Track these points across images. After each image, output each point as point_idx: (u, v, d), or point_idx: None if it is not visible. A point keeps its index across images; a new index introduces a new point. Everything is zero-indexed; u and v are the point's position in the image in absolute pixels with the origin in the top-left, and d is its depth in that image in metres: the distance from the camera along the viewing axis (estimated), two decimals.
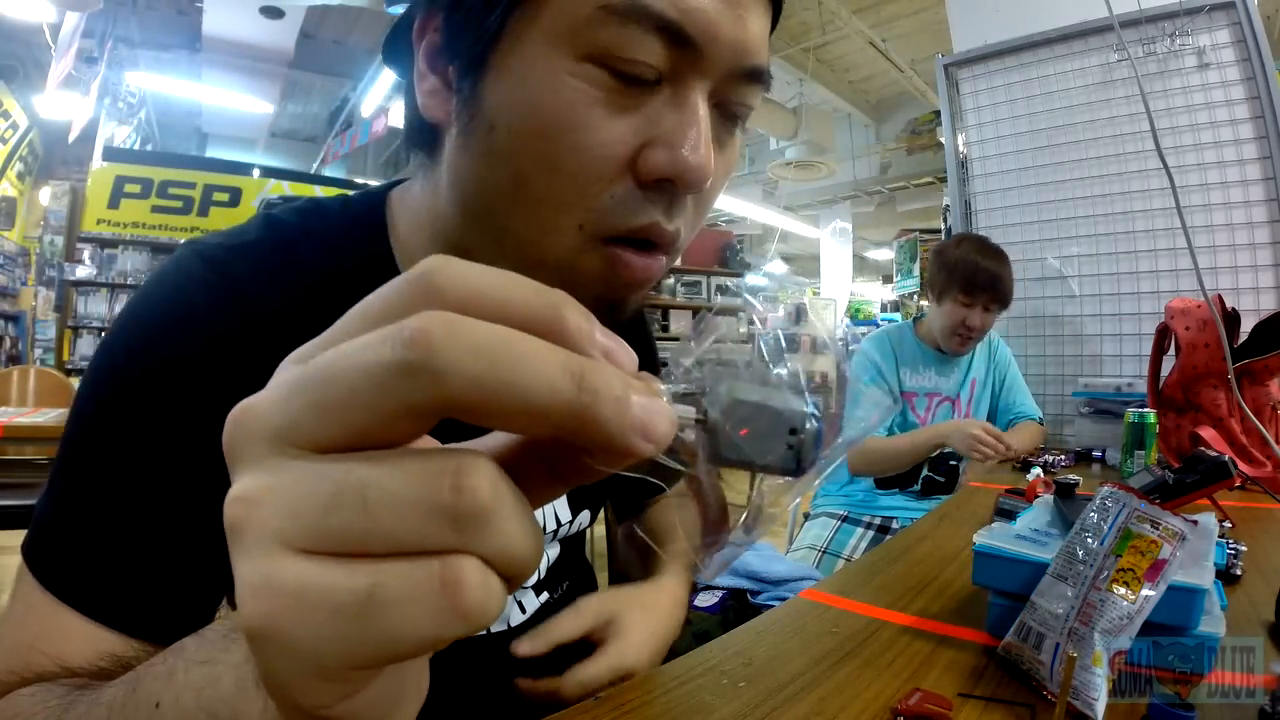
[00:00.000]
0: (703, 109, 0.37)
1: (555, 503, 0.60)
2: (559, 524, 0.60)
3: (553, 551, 0.63)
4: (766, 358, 0.22)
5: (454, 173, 0.42)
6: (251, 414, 0.17)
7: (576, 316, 0.17)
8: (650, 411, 0.17)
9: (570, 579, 0.66)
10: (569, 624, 0.57)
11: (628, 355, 0.18)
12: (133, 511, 0.39)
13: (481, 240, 0.42)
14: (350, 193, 0.52)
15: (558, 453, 0.19)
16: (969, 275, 1.64)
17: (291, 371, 0.17)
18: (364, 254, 0.46)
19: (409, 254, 0.48)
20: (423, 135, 0.44)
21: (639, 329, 0.69)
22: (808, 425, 0.20)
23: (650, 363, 0.70)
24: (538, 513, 0.55)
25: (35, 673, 0.36)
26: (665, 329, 6.38)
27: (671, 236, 0.39)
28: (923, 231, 5.24)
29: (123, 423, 0.39)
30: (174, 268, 0.43)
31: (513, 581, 0.17)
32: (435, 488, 0.16)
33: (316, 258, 0.45)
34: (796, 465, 0.20)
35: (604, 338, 0.18)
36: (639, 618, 0.60)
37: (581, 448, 0.18)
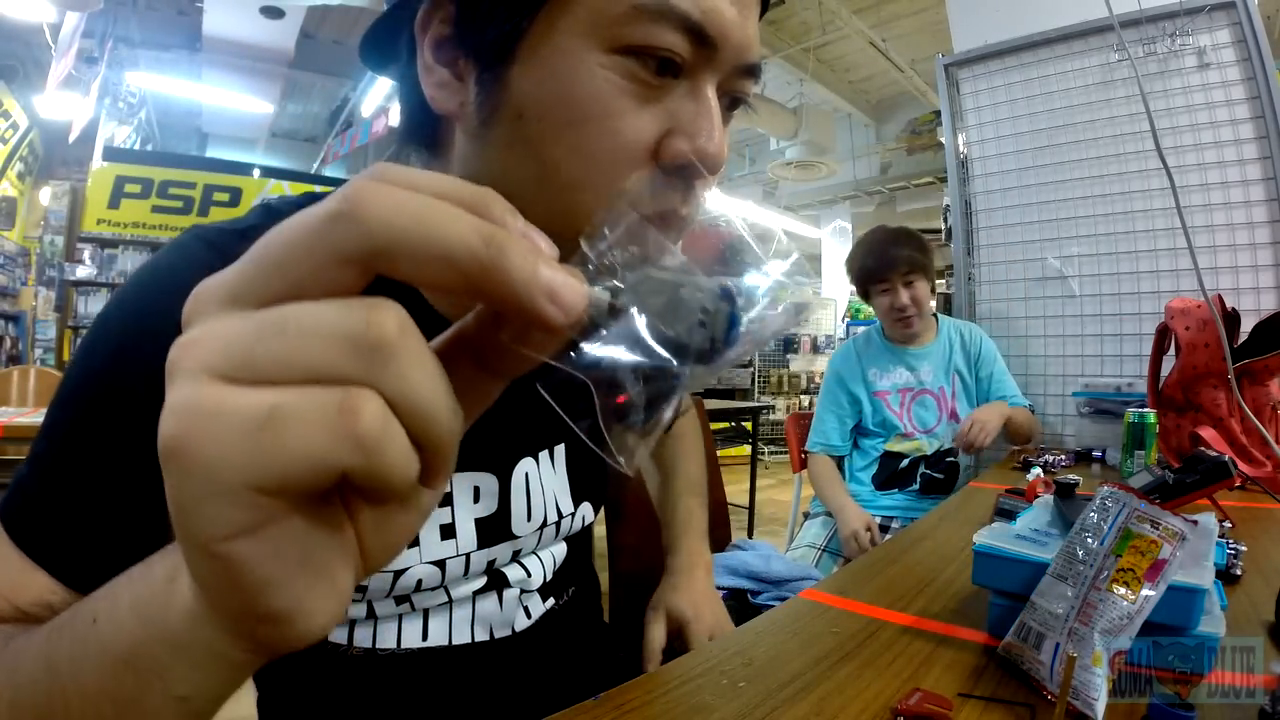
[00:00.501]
0: (714, 100, 0.40)
1: (557, 493, 0.60)
2: (560, 515, 0.60)
3: (559, 551, 0.63)
4: (677, 246, 0.22)
5: (469, 163, 0.42)
6: (207, 285, 0.18)
7: (501, 206, 0.19)
8: (558, 280, 0.18)
9: (576, 584, 0.66)
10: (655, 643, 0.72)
11: (546, 243, 0.19)
12: (111, 483, 0.39)
13: None
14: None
15: (481, 340, 0.20)
16: (869, 265, 1.76)
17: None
18: None
19: None
20: (424, 129, 0.45)
21: None
22: (719, 305, 0.20)
23: None
24: (539, 503, 0.56)
25: None
26: None
27: (685, 220, 0.41)
28: (923, 232, 5.24)
29: (109, 398, 0.39)
30: (175, 249, 0.43)
31: (423, 441, 0.18)
32: (347, 319, 0.17)
33: None
34: (709, 344, 0.20)
35: (525, 227, 0.19)
36: (685, 601, 0.75)
37: (500, 331, 0.19)
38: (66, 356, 5.15)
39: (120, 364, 0.39)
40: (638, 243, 0.21)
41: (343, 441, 0.16)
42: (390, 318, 0.17)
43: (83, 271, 5.14)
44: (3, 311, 5.85)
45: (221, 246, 0.43)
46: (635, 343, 0.20)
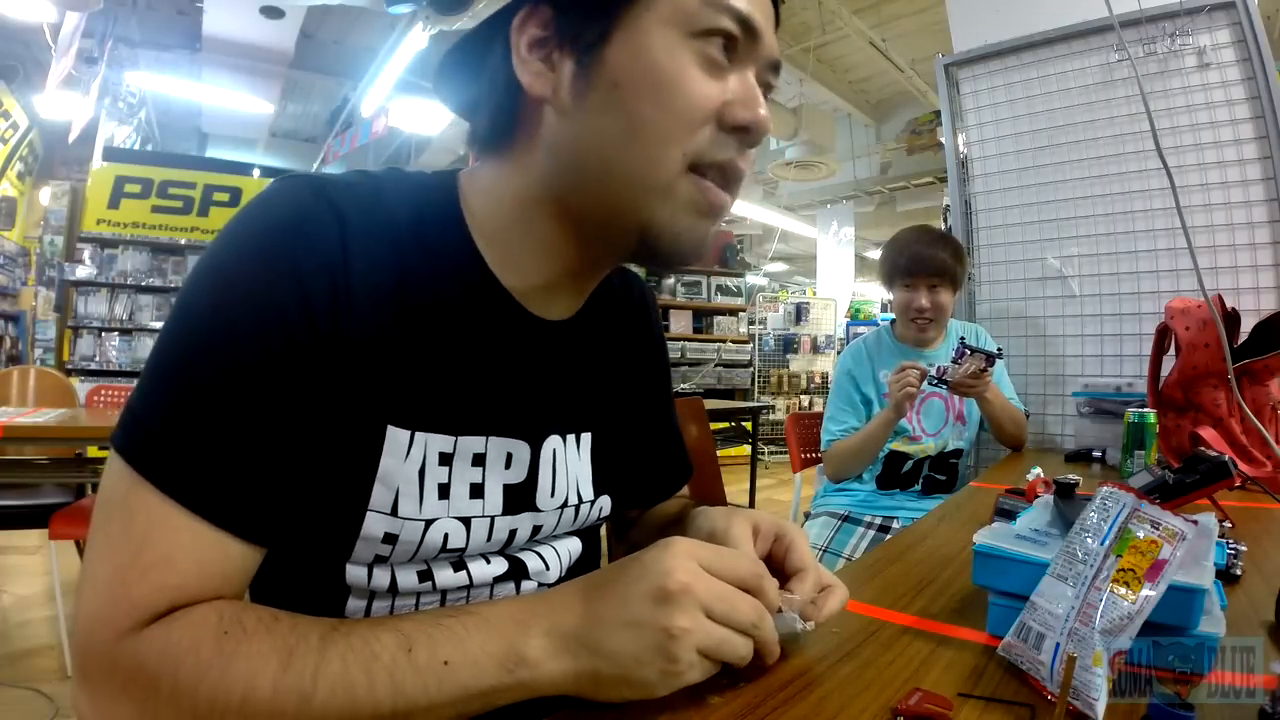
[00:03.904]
0: (755, 81, 0.51)
1: (579, 478, 0.61)
2: (580, 499, 0.61)
3: (574, 547, 0.64)
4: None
5: (558, 132, 0.50)
6: (696, 555, 0.45)
7: (770, 582, 0.48)
8: (776, 645, 0.47)
9: None
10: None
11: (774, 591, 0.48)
12: (262, 426, 0.43)
13: (583, 183, 0.51)
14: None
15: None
16: (905, 260, 1.74)
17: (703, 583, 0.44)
18: (440, 216, 0.54)
19: (481, 221, 0.54)
20: (507, 123, 0.53)
21: (645, 312, 0.73)
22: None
23: (653, 339, 0.73)
24: (563, 482, 0.59)
25: (191, 595, 0.41)
26: (666, 328, 6.39)
27: (742, 173, 0.52)
28: None
29: (243, 330, 0.43)
30: (285, 200, 0.47)
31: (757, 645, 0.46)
32: (758, 613, 0.45)
33: (402, 205, 0.52)
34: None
35: (775, 592, 0.49)
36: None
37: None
38: (66, 356, 5.12)
39: (260, 304, 0.43)
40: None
41: (744, 652, 0.44)
42: (766, 618, 0.46)
43: (83, 271, 5.12)
44: (3, 311, 5.85)
45: (333, 199, 0.48)
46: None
